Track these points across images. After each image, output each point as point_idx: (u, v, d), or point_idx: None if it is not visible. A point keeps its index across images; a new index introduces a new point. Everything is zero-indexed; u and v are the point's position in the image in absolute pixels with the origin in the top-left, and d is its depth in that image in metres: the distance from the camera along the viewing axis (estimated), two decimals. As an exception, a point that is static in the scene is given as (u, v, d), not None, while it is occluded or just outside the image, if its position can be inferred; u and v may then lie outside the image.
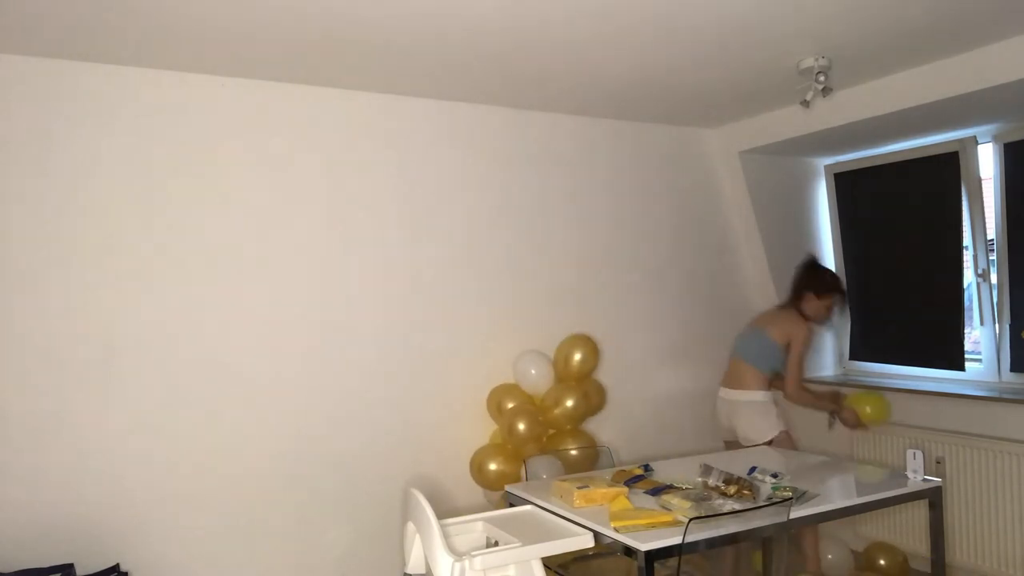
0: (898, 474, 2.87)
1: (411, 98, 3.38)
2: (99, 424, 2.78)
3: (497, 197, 3.59)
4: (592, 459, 3.33)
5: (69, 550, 2.70)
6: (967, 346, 3.79)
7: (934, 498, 2.74)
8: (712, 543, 2.25)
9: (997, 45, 2.88)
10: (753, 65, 3.05)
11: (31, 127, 2.70)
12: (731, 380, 3.61)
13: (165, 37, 2.56)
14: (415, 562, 2.38)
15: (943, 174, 3.81)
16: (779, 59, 2.98)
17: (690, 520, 2.16)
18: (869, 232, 4.25)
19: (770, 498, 2.50)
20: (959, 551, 3.54)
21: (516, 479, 3.18)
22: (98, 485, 2.77)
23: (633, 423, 3.87)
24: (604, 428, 3.79)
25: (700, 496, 2.48)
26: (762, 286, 4.33)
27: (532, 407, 3.34)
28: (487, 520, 2.42)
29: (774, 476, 2.78)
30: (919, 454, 2.76)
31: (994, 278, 3.68)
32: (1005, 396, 3.44)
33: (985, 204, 3.69)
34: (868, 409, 3.65)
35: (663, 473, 2.93)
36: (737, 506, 2.36)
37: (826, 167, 4.40)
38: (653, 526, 2.27)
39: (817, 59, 2.95)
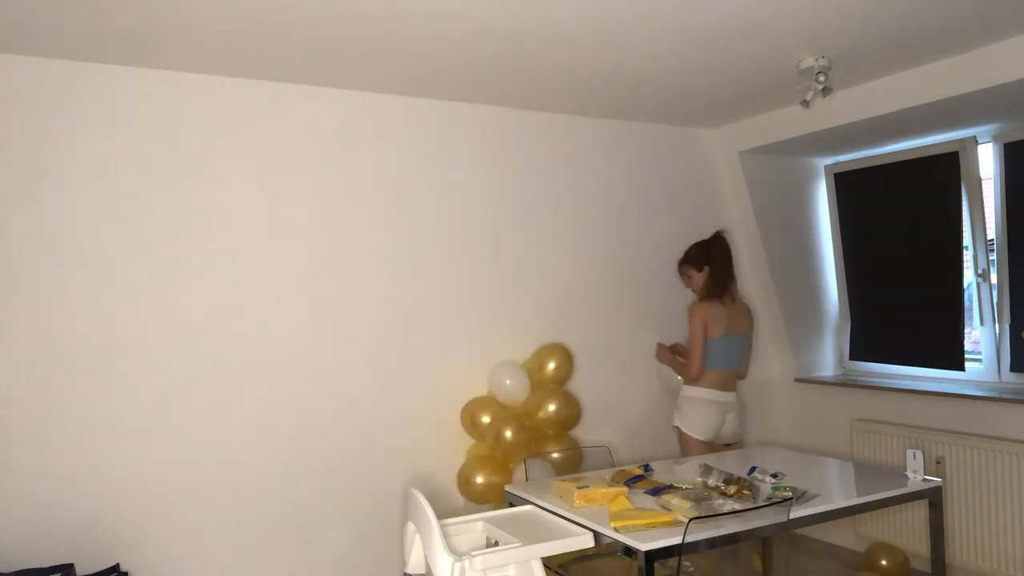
0: (898, 474, 2.88)
1: (411, 98, 3.38)
2: (99, 424, 2.78)
3: (495, 198, 3.59)
4: (577, 461, 3.32)
5: (69, 550, 2.70)
6: (967, 346, 3.79)
7: (934, 498, 2.74)
8: (712, 543, 2.25)
9: (997, 45, 2.88)
10: (753, 65, 3.05)
11: (31, 127, 2.70)
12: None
13: (165, 37, 2.56)
14: (415, 562, 2.38)
15: (943, 174, 3.81)
16: (779, 59, 2.98)
17: (690, 520, 2.16)
18: (869, 232, 4.25)
19: (770, 498, 2.50)
20: (959, 551, 3.54)
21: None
22: (98, 485, 2.77)
23: (633, 423, 3.87)
24: (604, 428, 3.79)
25: (700, 496, 2.48)
26: (762, 286, 4.33)
27: (517, 413, 3.32)
28: (487, 520, 2.42)
29: (774, 476, 2.78)
30: (919, 454, 2.76)
31: (994, 278, 3.68)
32: (1005, 396, 3.44)
33: (985, 204, 3.69)
34: None
35: (663, 473, 2.93)
36: (737, 506, 2.36)
37: (826, 167, 4.40)
38: (653, 526, 2.27)
39: (817, 59, 2.95)
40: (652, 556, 2.14)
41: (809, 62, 2.96)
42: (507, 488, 2.82)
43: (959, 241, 3.78)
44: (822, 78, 2.94)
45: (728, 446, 3.57)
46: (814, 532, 4.16)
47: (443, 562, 2.09)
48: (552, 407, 3.33)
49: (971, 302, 3.78)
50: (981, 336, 3.75)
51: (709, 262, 3.55)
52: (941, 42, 2.86)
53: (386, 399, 3.30)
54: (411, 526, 2.37)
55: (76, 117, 2.77)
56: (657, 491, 2.61)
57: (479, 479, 3.22)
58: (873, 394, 4.00)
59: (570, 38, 2.69)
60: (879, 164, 4.12)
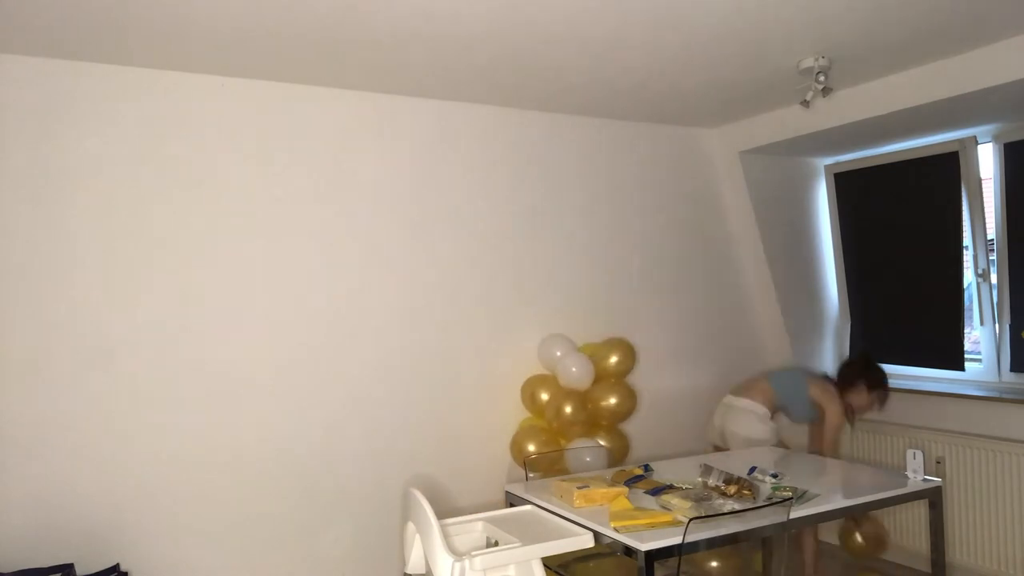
0: (898, 474, 2.88)
1: (411, 98, 3.39)
2: (99, 424, 2.78)
3: (496, 197, 3.59)
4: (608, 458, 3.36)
5: (69, 550, 2.70)
6: (967, 346, 3.79)
7: (934, 498, 2.74)
8: (712, 543, 2.25)
9: (997, 45, 2.88)
10: (753, 65, 3.05)
11: (31, 127, 2.70)
12: (741, 390, 3.66)
13: (165, 37, 2.56)
14: (415, 562, 2.38)
15: (943, 174, 3.81)
16: (779, 59, 2.98)
17: (690, 520, 2.16)
18: (869, 232, 4.25)
19: (770, 498, 2.50)
20: (959, 551, 3.54)
21: (556, 460, 3.24)
22: (98, 485, 2.77)
23: (632, 423, 3.87)
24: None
25: (700, 496, 2.48)
26: (762, 286, 4.33)
27: (579, 394, 3.39)
28: (487, 520, 2.42)
29: (774, 476, 2.78)
30: (919, 454, 2.76)
31: (994, 278, 3.68)
32: (1005, 396, 3.44)
33: (985, 204, 3.69)
34: None
35: (663, 473, 2.93)
36: (737, 506, 2.36)
37: (826, 167, 4.40)
38: (653, 526, 2.27)
39: (817, 59, 2.95)
40: (652, 556, 2.14)
41: (809, 62, 2.96)
42: (507, 488, 2.82)
43: (959, 241, 3.78)
44: (822, 78, 2.94)
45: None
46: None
47: (443, 562, 2.09)
48: (614, 399, 3.44)
49: (971, 302, 3.78)
50: (981, 336, 3.75)
51: (882, 389, 3.62)
52: (941, 42, 2.86)
53: (387, 399, 3.30)
54: (411, 526, 2.37)
55: (75, 117, 2.77)
56: (657, 491, 2.61)
57: (530, 447, 3.30)
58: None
59: (571, 39, 2.69)
60: (879, 164, 4.12)
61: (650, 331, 3.98)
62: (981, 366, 3.75)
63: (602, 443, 3.39)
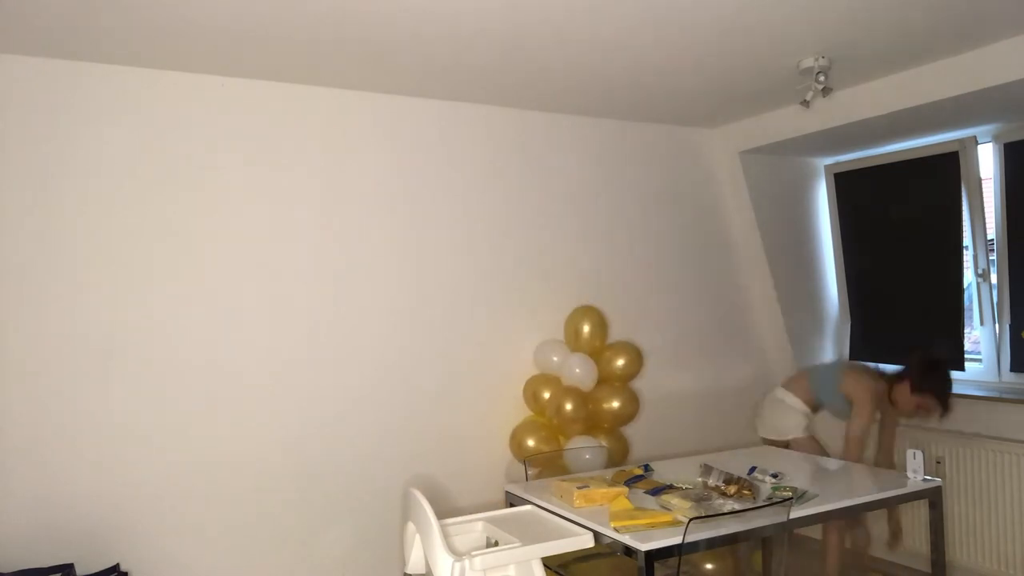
0: (898, 474, 2.88)
1: (411, 98, 3.39)
2: (99, 424, 2.78)
3: (496, 198, 3.59)
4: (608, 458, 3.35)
5: (69, 550, 2.70)
6: (967, 346, 3.79)
7: (934, 498, 2.74)
8: (712, 543, 2.25)
9: (997, 45, 2.88)
10: (753, 65, 3.05)
11: (31, 127, 2.70)
12: (786, 383, 3.62)
13: (165, 37, 2.56)
14: (415, 562, 2.38)
15: (943, 174, 3.81)
16: (779, 59, 2.98)
17: (690, 520, 2.16)
18: (869, 232, 4.25)
19: (770, 498, 2.50)
20: (959, 551, 3.54)
21: (555, 458, 3.23)
22: (98, 485, 2.77)
23: (632, 423, 3.86)
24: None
25: (700, 496, 2.48)
26: (762, 286, 4.33)
27: (580, 393, 3.38)
28: (487, 520, 2.42)
29: (774, 476, 2.78)
30: (919, 454, 2.76)
31: (994, 278, 3.68)
32: (1005, 396, 3.44)
33: (985, 204, 3.69)
34: None
35: (663, 473, 2.93)
36: (737, 506, 2.36)
37: (826, 167, 4.40)
38: (653, 526, 2.27)
39: (817, 59, 2.95)
40: (652, 556, 2.14)
41: (809, 62, 2.96)
42: (507, 488, 2.82)
43: (959, 241, 3.78)
44: (822, 78, 2.94)
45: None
46: (814, 532, 4.15)
47: (443, 562, 2.09)
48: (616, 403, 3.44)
49: (971, 302, 3.78)
50: (981, 336, 3.75)
51: (929, 394, 3.24)
52: (941, 42, 2.86)
53: (387, 400, 3.30)
54: (411, 526, 2.37)
55: (75, 117, 2.77)
56: (657, 491, 2.61)
57: (530, 443, 3.31)
58: (873, 394, 3.99)
59: (571, 39, 2.69)
60: (879, 164, 4.12)
61: (649, 331, 3.98)
62: (981, 366, 3.75)
63: (602, 443, 3.39)
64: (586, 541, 2.25)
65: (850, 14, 2.55)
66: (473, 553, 2.09)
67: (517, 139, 3.65)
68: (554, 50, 2.81)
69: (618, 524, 2.27)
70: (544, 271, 3.70)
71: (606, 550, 2.30)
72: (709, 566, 3.26)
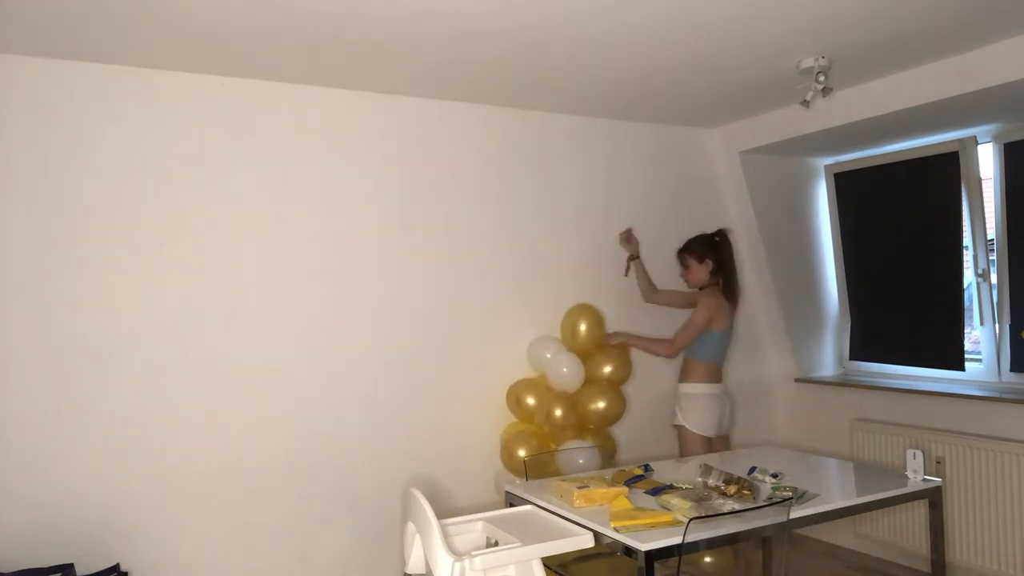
0: (898, 474, 2.88)
1: (411, 98, 3.38)
2: (99, 424, 2.78)
3: (496, 198, 3.59)
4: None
5: (69, 550, 2.70)
6: (967, 346, 3.79)
7: (934, 498, 2.74)
8: (712, 543, 2.25)
9: (997, 45, 2.88)
10: (753, 65, 3.05)
11: (31, 127, 2.70)
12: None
13: (165, 37, 2.56)
14: (415, 562, 2.38)
15: (943, 174, 3.80)
16: (779, 59, 2.98)
17: (690, 520, 2.16)
18: (869, 232, 4.24)
19: (770, 498, 2.50)
20: (959, 551, 3.54)
21: (548, 462, 3.21)
22: (98, 485, 2.77)
23: (632, 423, 3.87)
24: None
25: (700, 496, 2.48)
26: (762, 286, 4.33)
27: (569, 397, 3.37)
28: (487, 520, 2.42)
29: (774, 476, 2.78)
30: (919, 454, 2.76)
31: (994, 278, 3.67)
32: (1005, 396, 3.44)
33: (985, 204, 3.69)
34: None
35: (663, 473, 2.93)
36: (737, 506, 2.36)
37: (826, 167, 4.40)
38: (653, 526, 2.27)
39: (817, 59, 2.95)
40: (652, 556, 2.14)
41: (809, 62, 2.96)
42: (507, 488, 2.82)
43: (959, 241, 3.78)
44: (822, 78, 2.94)
45: (722, 439, 3.58)
46: (814, 532, 4.16)
47: (443, 562, 2.09)
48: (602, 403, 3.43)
49: (971, 302, 3.78)
50: (981, 336, 3.74)
51: (714, 257, 3.58)
52: (941, 42, 2.86)
53: (387, 400, 3.30)
54: (411, 526, 2.37)
55: (75, 117, 2.77)
56: (657, 491, 2.61)
57: (521, 453, 3.26)
58: (873, 394, 4.00)
59: (570, 38, 2.69)
60: (879, 164, 4.12)
61: (649, 331, 3.97)
62: (981, 366, 3.75)
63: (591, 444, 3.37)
64: (586, 541, 2.25)
65: (850, 14, 2.55)
66: (473, 553, 2.09)
67: (516, 139, 3.65)
68: (554, 50, 2.81)
69: (618, 524, 2.27)
70: (544, 270, 3.70)
71: (606, 550, 2.31)
72: (708, 559, 3.25)
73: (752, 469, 2.88)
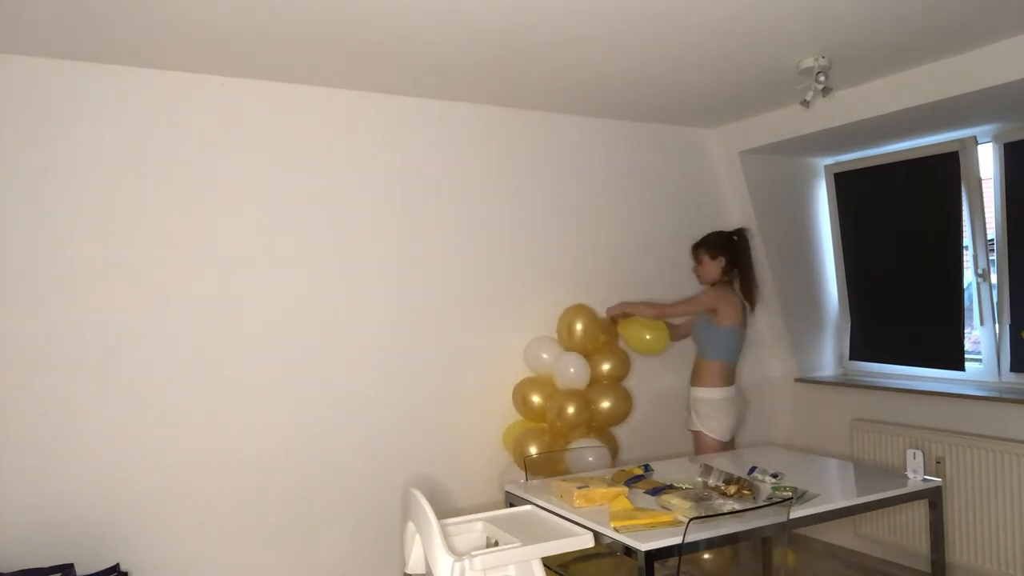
0: (898, 474, 2.87)
1: (411, 98, 3.38)
2: (99, 424, 2.78)
3: (496, 198, 3.59)
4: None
5: (69, 550, 2.70)
6: (967, 346, 3.79)
7: (934, 498, 2.74)
8: (712, 543, 2.25)
9: (997, 45, 2.88)
10: (753, 65, 3.05)
11: (31, 127, 2.70)
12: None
13: (165, 37, 2.56)
14: (415, 562, 2.38)
15: (943, 174, 3.80)
16: (779, 59, 2.98)
17: (690, 520, 2.16)
18: (869, 232, 4.24)
19: (770, 498, 2.50)
20: (959, 551, 3.54)
21: (557, 461, 3.21)
22: (98, 485, 2.77)
23: (633, 423, 3.87)
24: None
25: (700, 496, 2.48)
26: (762, 286, 4.32)
27: (580, 395, 3.37)
28: (487, 520, 2.42)
29: (774, 476, 2.78)
30: (919, 454, 2.76)
31: (994, 278, 3.67)
32: (1005, 396, 3.44)
33: (985, 204, 3.69)
34: (647, 336, 3.59)
35: (663, 473, 2.93)
36: (737, 506, 2.36)
37: (826, 167, 4.40)
38: (653, 526, 2.27)
39: (817, 59, 2.95)
40: (652, 556, 2.13)
41: (809, 62, 2.96)
42: (507, 488, 2.82)
43: (959, 241, 3.78)
44: (822, 78, 2.94)
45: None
46: (814, 532, 4.16)
47: (443, 562, 2.09)
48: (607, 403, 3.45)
49: (971, 302, 3.78)
50: (981, 336, 3.74)
51: (728, 255, 3.54)
52: (941, 42, 2.86)
53: (387, 400, 3.30)
54: (411, 526, 2.37)
55: (75, 117, 2.77)
56: (657, 491, 2.61)
57: (532, 449, 3.25)
58: (873, 394, 3.99)
59: (571, 38, 2.69)
60: (879, 164, 4.12)
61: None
62: (981, 366, 3.75)
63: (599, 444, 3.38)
64: (586, 541, 2.25)
65: (850, 14, 2.55)
66: (473, 553, 2.09)
67: (516, 139, 3.65)
68: (554, 50, 2.81)
69: (618, 524, 2.27)
70: (543, 270, 3.70)
71: (606, 550, 2.30)
72: (706, 556, 3.24)
73: (752, 469, 2.88)
